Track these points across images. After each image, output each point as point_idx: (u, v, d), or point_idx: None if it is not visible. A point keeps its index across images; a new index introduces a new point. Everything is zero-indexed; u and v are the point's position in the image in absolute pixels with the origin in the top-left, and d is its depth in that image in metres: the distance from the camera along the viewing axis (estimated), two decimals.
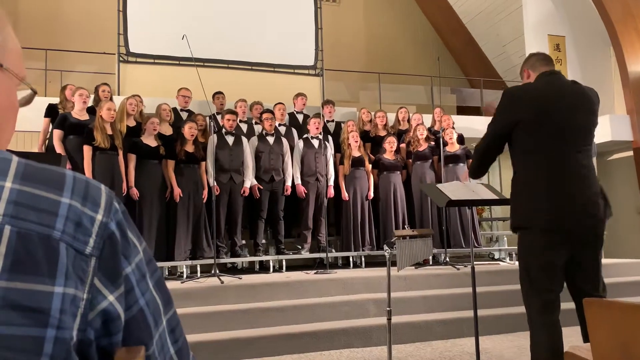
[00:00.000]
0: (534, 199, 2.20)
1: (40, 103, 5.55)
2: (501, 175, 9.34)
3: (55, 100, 5.62)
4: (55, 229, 0.51)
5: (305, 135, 6.02)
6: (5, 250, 0.48)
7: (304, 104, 6.62)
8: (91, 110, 5.22)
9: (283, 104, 6.30)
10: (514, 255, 6.30)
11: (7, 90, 0.62)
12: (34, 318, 0.48)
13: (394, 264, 3.04)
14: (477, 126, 8.29)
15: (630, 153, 8.37)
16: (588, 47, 8.76)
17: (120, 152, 4.95)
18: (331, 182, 5.91)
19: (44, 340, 0.48)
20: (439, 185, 3.14)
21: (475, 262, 3.14)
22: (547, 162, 2.19)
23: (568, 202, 2.16)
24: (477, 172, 2.46)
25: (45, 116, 5.37)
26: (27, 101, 0.67)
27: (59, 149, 4.90)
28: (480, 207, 7.82)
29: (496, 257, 6.80)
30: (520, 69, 2.50)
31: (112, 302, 0.54)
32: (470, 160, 6.16)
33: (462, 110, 10.00)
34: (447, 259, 5.80)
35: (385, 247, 3.04)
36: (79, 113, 5.09)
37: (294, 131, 6.26)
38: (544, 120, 2.20)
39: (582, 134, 2.25)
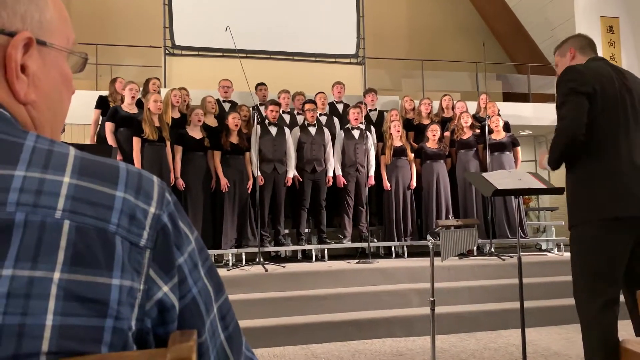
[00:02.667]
0: (604, 188, 2.08)
1: (92, 97, 5.78)
2: None
3: (106, 92, 5.84)
4: (111, 222, 0.53)
5: (346, 126, 6.02)
6: (65, 244, 0.50)
7: (339, 93, 6.59)
8: (139, 104, 5.40)
9: (324, 93, 6.30)
10: (562, 246, 6.11)
11: (57, 66, 0.62)
12: (94, 309, 0.50)
13: (437, 254, 3.01)
14: (524, 113, 8.05)
15: None
16: None
17: (168, 144, 5.10)
18: (372, 172, 5.89)
19: (103, 330, 0.50)
20: (484, 174, 3.07)
21: (521, 253, 3.07)
22: (610, 148, 2.08)
23: (629, 190, 2.06)
24: (561, 160, 2.18)
25: (96, 107, 5.60)
26: (80, 68, 0.67)
27: (110, 140, 5.11)
28: (527, 196, 7.61)
29: (543, 247, 6.61)
30: (562, 45, 2.30)
31: (167, 292, 0.56)
32: (518, 149, 6.02)
33: (509, 97, 9.71)
34: (493, 250, 5.69)
35: (429, 237, 3.01)
36: (128, 106, 5.28)
37: (336, 121, 6.26)
38: (605, 106, 2.09)
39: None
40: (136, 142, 4.98)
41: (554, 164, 2.21)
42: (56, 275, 0.49)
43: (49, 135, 0.59)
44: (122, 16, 9.54)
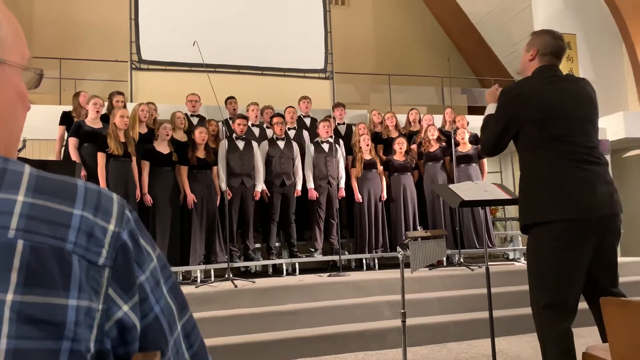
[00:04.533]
0: (553, 191, 2.11)
1: (56, 112, 5.64)
2: (514, 175, 9.27)
3: (70, 108, 5.71)
4: (68, 241, 0.52)
5: (316, 139, 6.04)
6: (19, 264, 0.49)
7: (307, 107, 6.63)
8: (104, 118, 5.29)
9: (293, 107, 6.32)
10: None
11: (12, 83, 0.61)
12: (49, 331, 0.49)
13: (407, 265, 3.04)
14: None
15: None
16: (599, 44, 8.67)
17: (134, 159, 5.01)
18: (342, 184, 5.92)
19: (60, 353, 0.49)
20: (451, 186, 3.12)
21: (489, 263, 3.12)
22: (562, 153, 2.14)
23: (590, 191, 2.10)
24: (487, 155, 2.53)
25: (60, 124, 5.46)
26: (36, 84, 0.66)
27: (74, 156, 4.98)
28: (493, 207, 7.76)
29: (510, 257, 6.75)
30: (532, 38, 2.35)
31: (127, 311, 0.54)
32: (484, 160, 6.17)
33: (473, 110, 9.95)
34: (461, 260, 5.77)
35: (398, 248, 3.03)
36: (92, 121, 5.16)
37: (305, 134, 6.28)
38: (551, 114, 2.18)
39: (588, 127, 2.23)
40: (101, 157, 4.87)
41: (486, 153, 2.47)
42: (9, 297, 0.48)
43: (3, 153, 0.57)
44: (87, 30, 9.38)
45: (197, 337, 0.63)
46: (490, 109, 2.50)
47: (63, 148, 5.39)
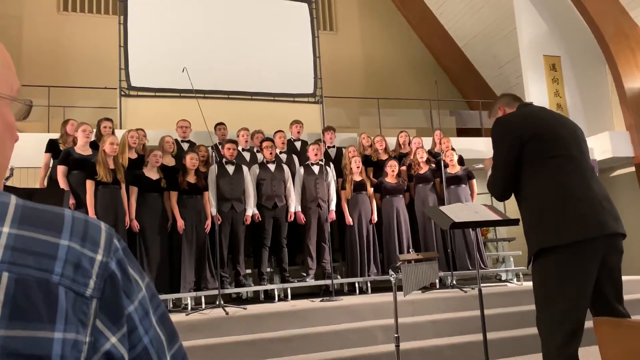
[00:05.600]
0: (564, 212, 2.08)
1: (44, 140, 5.61)
2: None
3: (58, 135, 5.68)
4: (54, 273, 0.51)
5: (306, 162, 6.05)
6: (3, 298, 0.48)
7: (298, 132, 6.67)
8: (94, 145, 5.27)
9: (283, 131, 6.34)
10: (521, 275, 6.23)
11: (0, 113, 0.60)
12: None
13: (400, 288, 3.01)
14: (477, 147, 8.34)
15: (632, 169, 8.37)
16: (584, 66, 8.85)
17: (123, 186, 4.97)
18: (332, 207, 5.91)
19: None
20: (442, 208, 3.13)
21: (482, 284, 3.10)
22: (565, 175, 2.14)
23: (600, 209, 2.10)
24: (503, 197, 2.37)
25: (46, 151, 5.42)
26: (24, 115, 0.65)
27: (63, 184, 4.93)
28: (484, 228, 7.78)
29: (503, 278, 6.73)
30: (492, 107, 2.50)
31: (115, 343, 0.53)
32: (473, 181, 6.21)
33: (462, 132, 10.06)
34: (454, 282, 5.74)
35: (391, 272, 3.01)
36: (82, 148, 5.13)
37: (295, 158, 6.29)
38: (550, 132, 2.21)
39: (585, 145, 2.28)
40: (89, 185, 4.83)
41: (498, 198, 2.42)
42: None
43: None
44: (76, 57, 9.41)
45: None
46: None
47: (47, 176, 5.34)
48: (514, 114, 2.34)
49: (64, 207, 0.59)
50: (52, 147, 5.44)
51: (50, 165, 5.36)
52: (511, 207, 8.21)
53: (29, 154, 5.47)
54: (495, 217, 3.11)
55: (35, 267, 0.50)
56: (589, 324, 2.17)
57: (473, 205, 3.38)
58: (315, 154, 5.93)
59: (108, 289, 0.54)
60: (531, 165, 2.20)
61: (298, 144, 6.62)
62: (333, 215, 5.91)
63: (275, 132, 6.29)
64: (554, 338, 2.09)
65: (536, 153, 2.19)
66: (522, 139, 2.21)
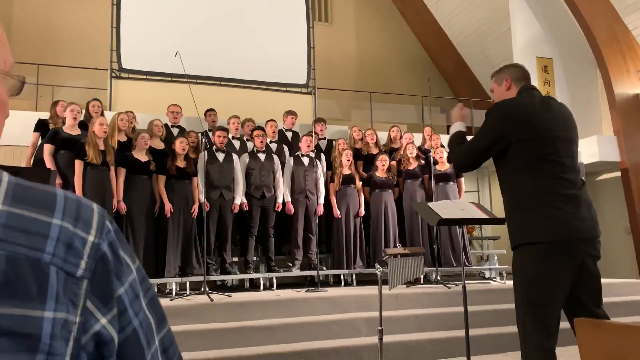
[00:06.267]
0: (541, 212, 2.13)
1: (32, 118, 5.53)
2: (491, 194, 9.40)
3: (47, 115, 5.59)
4: (46, 252, 0.50)
5: (296, 153, 6.04)
6: None
7: (292, 123, 6.64)
8: (82, 125, 5.20)
9: (275, 121, 6.32)
10: (504, 274, 6.31)
11: None
12: (24, 344, 0.47)
13: (385, 282, 3.03)
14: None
15: (618, 174, 8.48)
16: (575, 69, 8.93)
17: (112, 168, 4.92)
18: (321, 200, 5.91)
19: None
20: (430, 204, 3.15)
21: (466, 281, 3.13)
22: (551, 174, 2.17)
23: (577, 213, 2.13)
24: (462, 170, 2.53)
25: (35, 130, 5.33)
26: (17, 91, 0.65)
27: (49, 163, 4.86)
28: (470, 225, 7.85)
29: (487, 276, 6.81)
30: (500, 73, 2.43)
31: (105, 324, 0.53)
32: (461, 179, 6.24)
33: None
34: (439, 278, 5.80)
35: (377, 265, 3.03)
36: (70, 128, 5.06)
37: (285, 148, 6.27)
38: (542, 133, 2.21)
39: (573, 149, 2.28)
40: (78, 165, 4.77)
41: (460, 168, 2.56)
42: None
43: None
44: (67, 36, 9.25)
45: (174, 352, 0.63)
46: (457, 126, 2.55)
47: (33, 155, 5.26)
48: (516, 104, 2.30)
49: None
50: (41, 126, 5.35)
51: (38, 145, 5.28)
52: (498, 205, 8.28)
53: (15, 132, 5.38)
54: (483, 216, 3.14)
55: (27, 245, 0.50)
56: (567, 324, 2.22)
57: (461, 202, 3.40)
58: (308, 145, 5.93)
59: (99, 270, 0.54)
60: (522, 162, 2.23)
61: (289, 135, 6.60)
62: (321, 209, 5.91)
63: (267, 122, 6.26)
64: (531, 335, 2.14)
65: (528, 152, 2.21)
66: (515, 137, 2.22)
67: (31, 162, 5.24)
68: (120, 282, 0.56)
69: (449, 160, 6.41)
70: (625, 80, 8.20)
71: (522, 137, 2.21)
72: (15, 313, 0.47)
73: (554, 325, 2.14)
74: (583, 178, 2.49)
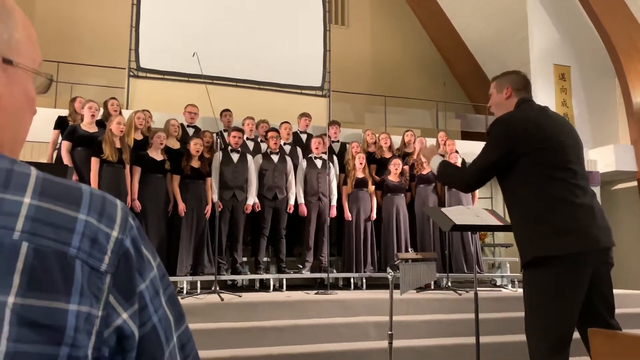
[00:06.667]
0: (556, 224, 2.08)
1: (50, 115, 5.62)
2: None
3: (65, 112, 5.68)
4: (72, 245, 0.52)
5: (309, 155, 6.05)
6: (22, 267, 0.49)
7: (307, 125, 6.66)
8: (100, 123, 5.27)
9: (289, 123, 6.34)
10: (516, 282, 6.26)
11: (22, 86, 0.61)
12: (48, 335, 0.48)
13: (396, 286, 3.03)
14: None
15: (634, 183, 8.37)
16: (593, 77, 8.83)
17: (127, 166, 4.98)
18: (334, 202, 5.92)
19: (57, 358, 0.48)
20: (443, 209, 3.14)
21: (477, 288, 3.12)
22: (564, 183, 2.13)
23: (593, 223, 2.09)
24: (472, 188, 2.41)
25: (55, 128, 5.42)
26: (45, 89, 0.67)
27: (66, 160, 4.94)
28: (482, 232, 7.79)
29: (498, 283, 6.75)
30: (501, 78, 2.40)
31: (126, 319, 0.54)
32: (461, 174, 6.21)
33: (467, 135, 10.05)
34: (449, 284, 5.76)
35: (389, 269, 3.03)
36: (88, 125, 5.14)
37: (299, 150, 6.29)
38: (551, 143, 2.18)
39: (581, 156, 2.26)
40: (94, 162, 4.84)
41: (441, 181, 2.40)
42: (11, 300, 0.47)
43: (7, 154, 0.57)
44: (86, 35, 9.39)
45: (192, 349, 0.63)
46: (437, 158, 2.51)
47: (55, 152, 5.35)
48: (519, 117, 2.26)
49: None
50: (60, 123, 5.44)
51: (59, 142, 5.36)
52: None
53: (34, 128, 5.38)
54: (496, 222, 3.12)
55: (54, 238, 0.51)
56: (576, 334, 2.19)
57: (474, 208, 3.39)
58: (317, 147, 5.94)
59: (122, 266, 0.55)
60: (532, 173, 2.18)
61: (304, 137, 6.62)
62: (334, 211, 5.91)
63: (281, 123, 6.28)
64: (541, 348, 2.09)
65: (537, 165, 2.16)
66: (521, 152, 2.17)
67: (53, 160, 5.32)
68: (142, 278, 0.57)
69: (463, 165, 6.38)
70: None
71: (531, 149, 2.16)
72: (41, 305, 0.48)
73: (565, 341, 2.10)
74: (597, 187, 2.45)
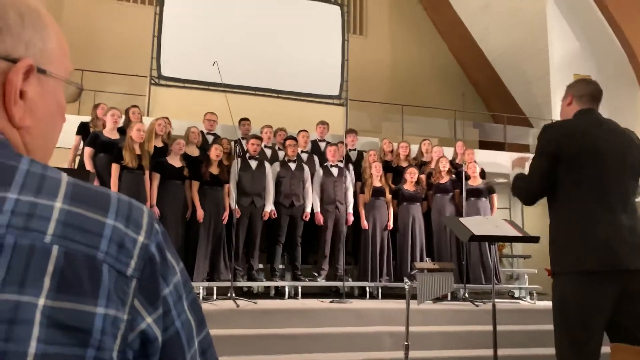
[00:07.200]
0: (583, 241, 2.08)
1: (73, 121, 5.73)
2: (523, 212, 9.20)
3: (88, 118, 5.80)
4: (100, 250, 0.53)
5: (325, 164, 6.07)
6: (52, 269, 0.50)
7: (322, 132, 6.69)
8: (121, 130, 5.37)
9: (307, 131, 6.37)
10: (534, 294, 6.16)
11: (54, 94, 0.63)
12: (76, 337, 0.49)
13: (413, 297, 3.01)
14: (499, 161, 8.26)
15: None
16: (615, 87, 8.70)
17: (147, 172, 5.06)
18: (350, 210, 5.91)
19: None
20: (462, 219, 3.12)
21: (495, 300, 3.08)
22: (590, 204, 2.11)
23: (621, 242, 2.07)
24: (532, 195, 2.29)
25: (77, 133, 5.54)
26: (75, 97, 0.69)
27: (88, 166, 5.03)
28: (501, 243, 7.70)
29: (516, 295, 6.66)
30: (569, 88, 2.38)
31: (150, 324, 0.55)
32: (494, 196, 6.15)
33: (484, 145, 9.95)
34: (466, 295, 5.70)
35: (405, 279, 3.01)
36: (109, 132, 5.24)
37: (316, 158, 6.31)
38: (588, 157, 2.15)
39: (628, 171, 2.19)
40: (115, 168, 4.92)
41: (516, 195, 2.40)
42: (41, 302, 0.48)
43: (39, 160, 0.60)
44: (109, 43, 9.58)
45: (212, 355, 0.64)
46: (516, 170, 2.49)
47: (78, 158, 5.45)
48: (565, 124, 2.26)
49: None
50: (83, 129, 5.56)
51: (81, 148, 5.47)
52: (530, 223, 8.12)
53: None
54: (515, 233, 3.10)
55: (83, 242, 0.52)
56: (607, 348, 2.16)
57: (493, 219, 3.36)
58: (332, 155, 5.95)
59: (147, 271, 0.55)
60: (563, 184, 2.18)
61: (322, 145, 6.64)
62: (351, 219, 5.91)
63: (299, 132, 6.32)
64: (569, 358, 2.10)
65: (569, 174, 2.16)
66: (559, 157, 2.16)
67: (75, 165, 5.43)
68: (165, 283, 0.57)
69: (482, 175, 6.33)
70: None
71: (570, 154, 2.15)
72: (69, 307, 0.49)
73: (593, 352, 2.09)
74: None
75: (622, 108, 8.73)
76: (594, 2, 8.08)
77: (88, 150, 5.11)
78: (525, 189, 2.31)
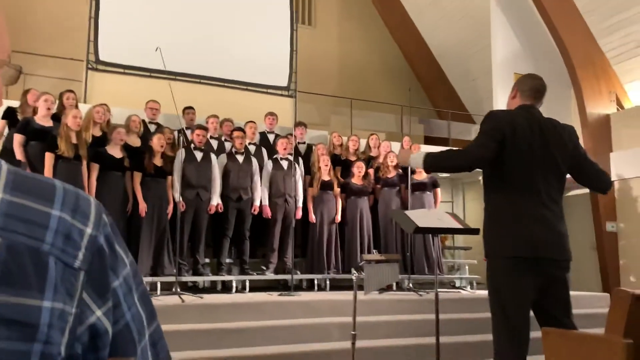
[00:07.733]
0: (512, 229, 2.24)
1: None
2: (465, 205, 9.53)
3: (16, 103, 5.41)
4: (45, 242, 0.51)
5: (274, 156, 6.00)
6: None
7: (271, 124, 6.61)
8: (55, 117, 5.06)
9: (254, 122, 6.27)
10: (474, 283, 6.40)
11: None
12: (22, 332, 0.48)
13: (360, 287, 3.03)
14: None
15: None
16: (551, 87, 9.08)
17: (84, 162, 4.80)
18: (299, 204, 5.89)
19: (31, 355, 0.48)
20: (407, 212, 3.17)
21: (437, 289, 3.16)
22: (528, 191, 2.25)
23: (547, 232, 2.23)
24: (478, 160, 2.32)
25: (2, 118, 5.16)
26: (14, 80, 0.65)
27: (19, 155, 4.70)
28: (443, 235, 7.93)
29: (457, 285, 6.89)
30: (516, 82, 2.50)
31: (100, 317, 0.54)
32: (438, 190, 6.32)
33: (430, 140, 10.21)
34: (410, 285, 5.83)
35: (353, 270, 3.03)
36: (42, 119, 4.92)
37: (264, 151, 6.23)
38: (521, 151, 2.26)
39: (556, 168, 2.33)
40: (49, 157, 4.63)
41: (429, 170, 2.51)
42: None
43: None
44: (42, 24, 8.98)
45: (163, 347, 0.63)
46: (416, 156, 2.50)
47: (1, 144, 5.08)
48: (504, 114, 2.35)
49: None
50: (9, 114, 5.18)
51: (5, 134, 5.11)
52: (472, 216, 8.41)
53: None
54: (457, 226, 3.18)
55: (27, 234, 0.50)
56: (538, 333, 2.30)
57: (437, 211, 3.44)
58: (284, 148, 5.90)
59: (95, 263, 0.54)
60: (497, 176, 2.32)
61: (271, 137, 6.56)
62: (299, 213, 5.88)
63: (247, 123, 6.21)
64: (502, 341, 2.24)
65: (503, 167, 2.28)
66: (503, 144, 2.27)
67: None
68: (115, 275, 0.56)
69: (427, 170, 6.47)
70: (598, 101, 8.45)
71: (506, 147, 2.25)
72: (14, 302, 0.47)
73: (523, 333, 2.22)
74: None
75: (557, 105, 9.18)
76: (533, 4, 8.43)
77: (18, 138, 4.77)
78: (466, 152, 2.33)
